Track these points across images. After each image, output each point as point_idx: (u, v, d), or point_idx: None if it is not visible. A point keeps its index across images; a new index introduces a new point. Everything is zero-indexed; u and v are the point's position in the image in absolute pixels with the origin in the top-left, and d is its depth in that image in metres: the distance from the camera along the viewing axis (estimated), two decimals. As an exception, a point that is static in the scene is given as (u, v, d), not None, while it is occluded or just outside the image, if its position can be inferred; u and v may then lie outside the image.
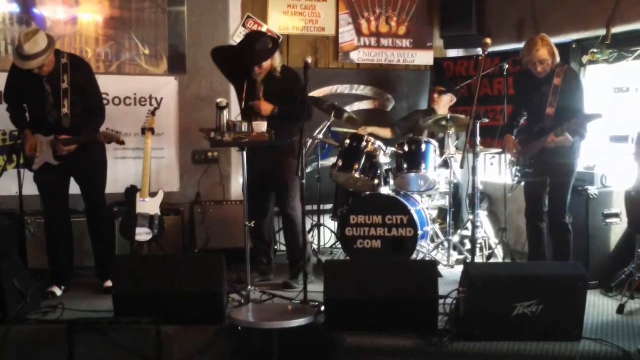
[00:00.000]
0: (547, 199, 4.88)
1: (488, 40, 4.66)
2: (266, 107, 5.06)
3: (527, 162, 4.84)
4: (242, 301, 4.56)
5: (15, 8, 5.89)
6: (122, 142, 5.03)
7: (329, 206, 6.28)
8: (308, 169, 5.95)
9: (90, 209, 5.03)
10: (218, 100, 5.34)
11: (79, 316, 4.20)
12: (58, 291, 4.86)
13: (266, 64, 5.04)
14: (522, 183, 4.97)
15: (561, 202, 4.80)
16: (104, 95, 5.17)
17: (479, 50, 5.00)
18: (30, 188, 5.21)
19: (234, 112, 5.99)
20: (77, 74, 4.80)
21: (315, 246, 6.08)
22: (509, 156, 5.05)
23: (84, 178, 4.96)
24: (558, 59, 4.80)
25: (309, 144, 5.96)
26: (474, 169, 4.77)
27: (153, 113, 5.60)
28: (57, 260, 4.97)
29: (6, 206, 5.50)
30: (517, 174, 4.93)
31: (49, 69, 4.69)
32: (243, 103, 5.18)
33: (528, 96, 4.93)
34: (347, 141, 5.58)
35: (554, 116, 4.71)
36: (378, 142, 5.56)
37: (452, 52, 7.18)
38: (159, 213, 5.37)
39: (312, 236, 6.09)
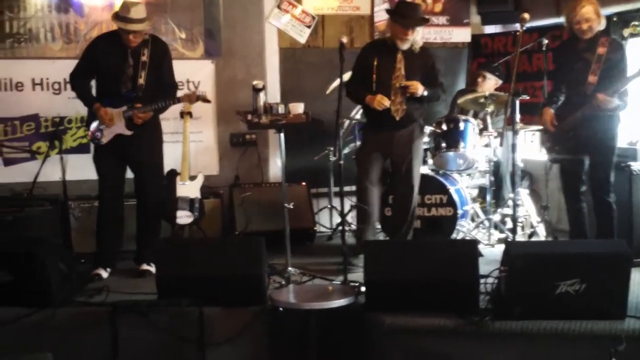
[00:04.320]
0: (590, 178, 4.78)
1: (526, 16, 4.57)
2: (421, 89, 4.90)
3: (564, 138, 4.74)
4: (283, 283, 4.59)
5: (54, -4, 5.97)
6: (209, 101, 5.16)
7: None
8: (346, 150, 5.93)
9: (144, 192, 5.06)
10: (254, 82, 5.36)
11: (123, 299, 4.26)
12: (104, 274, 4.93)
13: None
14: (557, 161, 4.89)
15: (605, 180, 4.69)
16: (142, 81, 5.23)
17: (517, 26, 4.90)
18: (74, 174, 5.32)
19: (270, 94, 6.02)
20: (157, 51, 4.94)
21: (354, 227, 6.07)
22: (542, 133, 4.97)
23: (141, 163, 5.02)
24: (604, 24, 4.64)
25: (346, 125, 5.94)
26: (514, 146, 4.71)
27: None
28: (106, 243, 5.04)
29: (50, 192, 5.58)
30: (552, 152, 4.84)
31: (139, 40, 4.84)
32: (375, 82, 4.95)
33: (568, 67, 4.80)
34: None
35: (596, 86, 4.59)
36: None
37: (490, 29, 7.07)
38: (199, 196, 5.41)
39: (351, 217, 6.09)
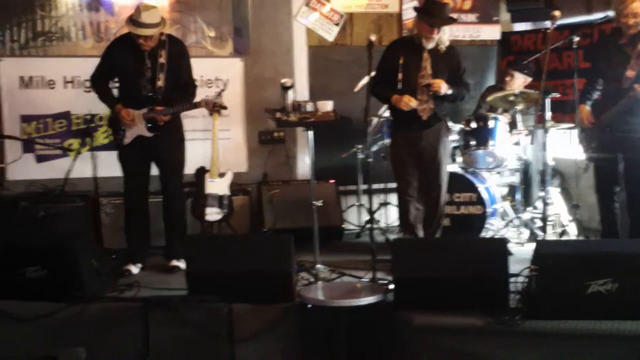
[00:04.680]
0: (625, 176, 4.71)
1: (557, 13, 4.53)
2: (445, 87, 4.86)
3: (601, 134, 4.68)
4: (311, 280, 4.59)
5: (84, -6, 6.04)
6: (225, 107, 5.16)
7: (395, 185, 6.24)
8: (374, 148, 5.93)
9: (166, 191, 5.13)
10: (283, 80, 5.38)
11: (154, 294, 4.30)
12: (134, 269, 4.98)
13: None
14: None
15: None
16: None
17: (548, 24, 4.87)
18: (105, 170, 5.37)
19: (299, 92, 6.03)
20: (174, 51, 4.96)
21: (383, 225, 6.08)
22: (578, 131, 4.91)
23: (164, 161, 5.08)
24: None
25: (374, 122, 5.94)
26: (544, 144, 4.67)
27: (219, 95, 5.64)
28: (134, 239, 5.10)
29: (81, 188, 5.66)
30: (588, 150, 4.79)
31: (152, 44, 4.85)
32: (401, 81, 4.88)
33: (607, 61, 4.73)
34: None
35: (633, 80, 4.52)
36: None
37: (520, 26, 7.01)
38: (228, 193, 5.44)
39: (380, 215, 6.08)
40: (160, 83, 4.90)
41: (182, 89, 5.03)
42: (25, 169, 5.94)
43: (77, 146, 5.54)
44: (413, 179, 5.05)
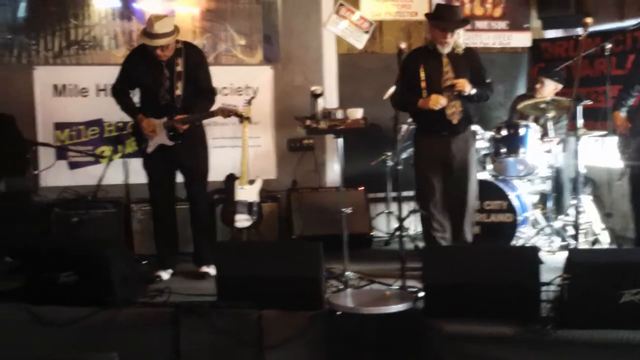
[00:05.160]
0: None
1: (589, 20, 4.50)
2: (469, 86, 4.78)
3: (636, 141, 4.63)
4: (340, 287, 4.59)
5: (117, 3, 6.13)
6: (241, 115, 5.18)
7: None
8: (404, 155, 5.91)
9: (191, 197, 5.17)
10: (313, 88, 5.41)
11: (184, 300, 4.33)
12: (165, 275, 5.02)
13: None
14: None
15: None
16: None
17: (579, 31, 4.83)
18: (136, 177, 5.42)
19: (328, 99, 6.05)
20: (191, 58, 4.97)
21: (412, 233, 6.05)
22: (616, 138, 4.86)
23: (188, 167, 5.11)
24: None
25: (403, 129, 5.93)
26: (576, 152, 4.62)
27: (249, 102, 5.68)
28: (163, 246, 5.15)
29: (113, 194, 5.72)
30: (624, 157, 4.73)
31: (169, 54, 4.87)
32: (425, 89, 4.83)
33: None
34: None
35: None
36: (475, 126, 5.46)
37: (551, 33, 6.96)
38: (257, 200, 5.46)
39: (409, 222, 6.05)
40: (178, 92, 4.91)
41: (201, 96, 5.04)
42: (58, 175, 6.02)
43: (109, 153, 5.60)
44: (435, 194, 4.97)
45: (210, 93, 5.10)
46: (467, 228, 5.02)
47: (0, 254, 5.06)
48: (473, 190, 5.00)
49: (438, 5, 4.95)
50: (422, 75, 4.82)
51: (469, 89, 4.77)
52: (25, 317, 4.14)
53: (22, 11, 5.99)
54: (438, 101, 4.76)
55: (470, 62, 4.92)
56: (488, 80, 4.98)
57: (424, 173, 4.99)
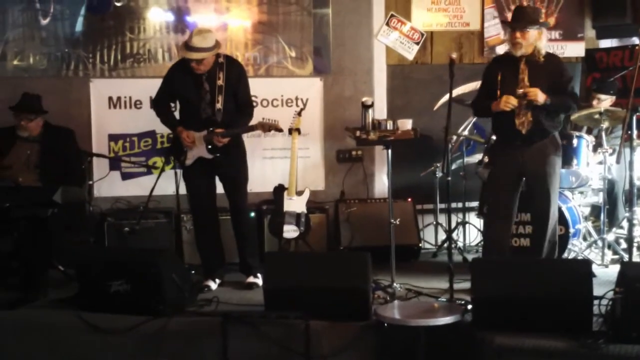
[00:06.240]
0: None
1: (645, 29, 4.39)
2: (542, 96, 4.55)
3: None
4: (388, 298, 4.58)
5: (170, 17, 6.23)
6: (280, 130, 5.20)
7: (474, 204, 6.15)
8: (453, 166, 5.88)
9: (233, 206, 5.19)
10: (363, 99, 5.42)
11: (232, 309, 4.37)
12: (213, 285, 5.06)
13: None
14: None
15: None
16: (253, 98, 5.35)
17: (635, 40, 4.72)
18: (187, 188, 5.49)
19: (378, 110, 6.05)
20: (232, 73, 5.01)
21: (460, 244, 6.00)
22: None
23: (227, 177, 5.14)
24: None
25: (453, 140, 5.89)
26: (631, 164, 4.52)
27: (299, 114, 5.72)
28: (208, 256, 5.19)
29: (164, 205, 5.81)
30: None
31: (206, 68, 4.91)
32: (500, 96, 4.67)
33: None
34: (494, 137, 5.44)
35: None
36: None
37: (605, 43, 6.84)
38: (305, 211, 5.49)
39: (457, 234, 6.01)
40: (219, 105, 4.95)
41: (241, 110, 5.07)
42: (111, 186, 6.15)
43: (160, 164, 5.69)
44: (507, 200, 4.75)
45: (249, 107, 5.14)
46: (545, 244, 4.77)
47: (55, 263, 5.18)
48: (549, 204, 4.72)
49: (515, 7, 4.87)
50: (499, 83, 4.71)
51: (542, 99, 4.56)
52: (78, 325, 4.23)
53: (79, 25, 6.15)
54: (508, 101, 4.59)
55: (551, 69, 4.70)
56: (573, 90, 4.78)
57: (495, 182, 4.85)
